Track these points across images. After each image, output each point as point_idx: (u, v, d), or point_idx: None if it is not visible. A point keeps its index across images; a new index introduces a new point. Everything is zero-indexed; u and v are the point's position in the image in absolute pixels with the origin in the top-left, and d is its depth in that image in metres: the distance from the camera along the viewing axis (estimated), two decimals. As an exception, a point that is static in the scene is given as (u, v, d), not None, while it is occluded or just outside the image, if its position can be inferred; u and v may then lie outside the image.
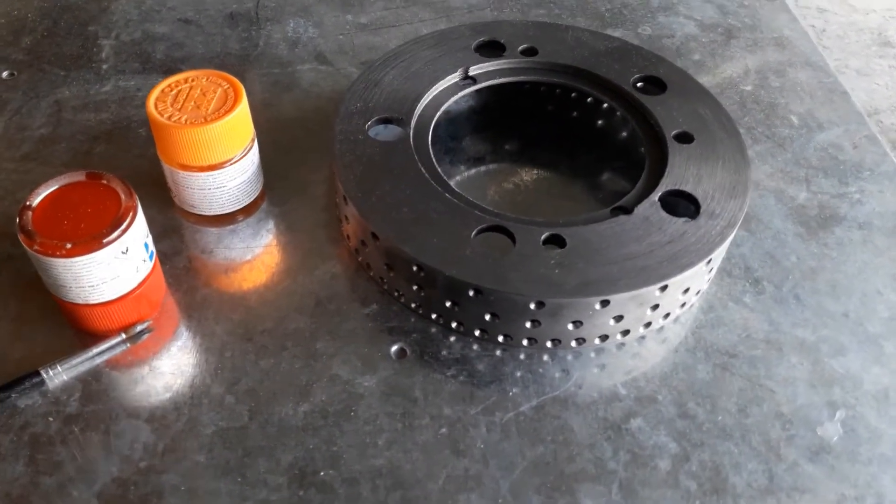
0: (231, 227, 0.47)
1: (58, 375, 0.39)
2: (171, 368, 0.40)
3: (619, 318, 0.41)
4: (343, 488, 0.36)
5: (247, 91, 0.53)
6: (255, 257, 0.46)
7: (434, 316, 0.43)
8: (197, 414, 0.39)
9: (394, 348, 0.42)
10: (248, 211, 0.48)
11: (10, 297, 0.43)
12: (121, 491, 0.36)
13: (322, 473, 0.37)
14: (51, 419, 0.38)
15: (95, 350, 0.40)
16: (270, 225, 0.48)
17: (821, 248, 0.48)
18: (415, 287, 0.42)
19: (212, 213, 0.47)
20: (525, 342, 0.42)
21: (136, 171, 0.50)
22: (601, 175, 0.54)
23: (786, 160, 0.54)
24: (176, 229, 0.47)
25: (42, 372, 0.39)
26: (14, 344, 0.41)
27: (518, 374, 0.41)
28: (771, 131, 0.56)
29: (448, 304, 0.41)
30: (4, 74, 0.56)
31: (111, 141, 0.52)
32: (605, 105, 0.52)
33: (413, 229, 0.41)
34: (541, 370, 0.42)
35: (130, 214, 0.38)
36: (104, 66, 0.57)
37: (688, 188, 0.45)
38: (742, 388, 0.41)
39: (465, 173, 0.53)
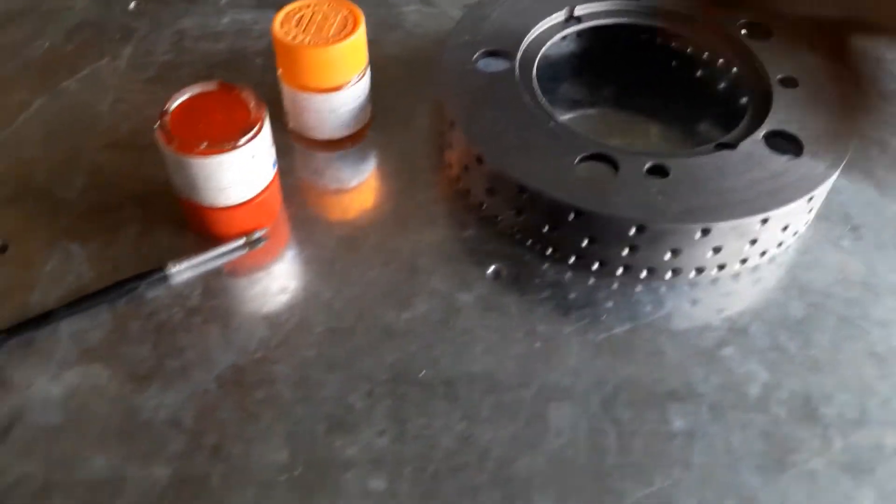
0: (339, 152, 0.50)
1: (181, 272, 0.43)
2: (284, 273, 0.43)
3: (717, 250, 0.42)
4: (441, 388, 0.38)
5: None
6: (360, 181, 0.48)
7: (530, 242, 0.44)
8: (308, 315, 0.41)
9: (490, 270, 0.44)
10: (355, 139, 0.50)
11: (140, 205, 0.46)
12: (237, 376, 0.39)
13: (422, 373, 0.39)
14: (175, 310, 0.41)
15: (217, 251, 0.43)
16: (375, 153, 0.50)
17: (926, 199, 0.48)
18: (515, 211, 0.43)
19: (323, 138, 0.49)
20: (620, 270, 0.43)
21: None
22: (698, 123, 0.54)
23: (891, 112, 0.53)
24: (289, 152, 0.50)
25: (167, 266, 0.42)
26: (142, 244, 0.44)
27: (610, 302, 0.42)
28: (877, 83, 0.55)
29: (546, 228, 0.43)
30: (132, 6, 0.60)
31: (229, 69, 0.55)
32: (708, 53, 0.52)
33: (517, 154, 0.43)
34: (633, 299, 0.42)
35: (259, 123, 0.40)
36: (222, 1, 0.60)
37: (791, 129, 0.45)
38: (836, 325, 0.41)
39: (563, 117, 0.54)
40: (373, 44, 0.57)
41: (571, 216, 0.41)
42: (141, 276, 0.42)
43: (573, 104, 0.55)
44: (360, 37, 0.45)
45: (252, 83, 0.53)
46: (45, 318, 0.40)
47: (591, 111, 0.55)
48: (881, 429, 0.37)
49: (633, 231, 0.40)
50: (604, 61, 0.56)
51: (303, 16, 0.46)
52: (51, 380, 0.39)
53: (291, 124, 0.50)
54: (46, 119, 0.51)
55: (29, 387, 0.38)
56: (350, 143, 0.50)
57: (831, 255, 0.45)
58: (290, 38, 0.44)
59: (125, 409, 0.38)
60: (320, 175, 0.48)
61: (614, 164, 0.42)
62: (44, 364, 0.39)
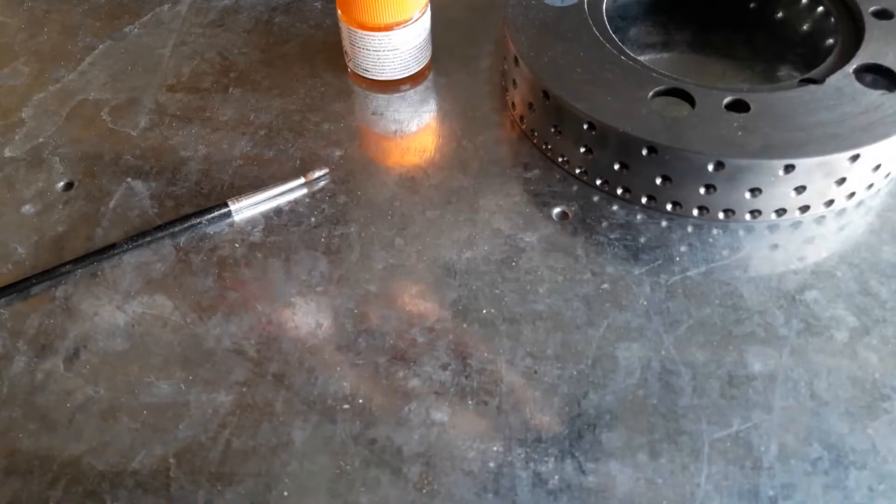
0: (400, 94, 0.49)
1: (243, 209, 0.42)
2: (345, 213, 0.42)
3: (800, 190, 0.39)
4: (504, 326, 0.37)
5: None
6: (422, 122, 0.47)
7: (599, 182, 0.43)
8: (369, 251, 0.40)
9: (556, 210, 0.42)
10: (415, 80, 0.49)
11: (202, 144, 0.46)
12: (300, 309, 0.38)
13: (484, 311, 0.38)
14: (236, 245, 0.41)
15: (278, 189, 0.43)
16: (437, 94, 0.49)
17: None
18: (583, 149, 0.42)
19: (383, 78, 0.48)
20: (695, 211, 0.41)
21: (311, 40, 0.52)
22: (779, 67, 0.51)
23: None
24: (349, 93, 0.49)
25: (229, 203, 0.42)
26: (203, 183, 0.44)
27: (685, 245, 0.40)
28: (979, 24, 0.51)
29: (617, 166, 0.41)
30: (194, -47, 0.59)
31: (289, 13, 0.54)
32: (791, -12, 0.49)
33: (586, 88, 0.41)
34: (709, 242, 0.40)
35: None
36: (283, -53, 0.59)
37: (886, 62, 0.41)
38: (934, 271, 0.38)
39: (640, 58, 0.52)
40: (434, -13, 0.56)
41: (644, 152, 0.39)
42: (202, 212, 0.42)
43: (645, 47, 0.52)
44: (423, -31, 0.44)
45: (311, 26, 0.53)
46: (109, 249, 0.40)
47: (664, 54, 0.52)
48: (983, 377, 0.34)
49: (710, 167, 0.38)
50: (677, 2, 0.53)
51: (364, -50, 0.44)
52: (116, 309, 0.39)
53: (351, 65, 0.49)
54: (110, 62, 0.51)
55: (95, 315, 0.38)
56: (410, 84, 0.49)
57: (926, 200, 0.42)
58: (351, -30, 0.43)
59: (189, 338, 0.37)
60: (380, 116, 0.47)
61: (690, 100, 0.40)
62: (109, 294, 0.39)
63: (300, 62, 0.51)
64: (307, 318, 0.38)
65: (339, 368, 0.36)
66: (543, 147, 0.45)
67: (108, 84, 0.50)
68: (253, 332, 0.37)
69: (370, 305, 0.38)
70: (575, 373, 0.35)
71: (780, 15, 0.52)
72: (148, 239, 0.41)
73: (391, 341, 0.37)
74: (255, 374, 0.36)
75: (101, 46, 0.53)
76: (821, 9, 0.48)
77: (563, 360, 0.36)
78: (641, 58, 0.51)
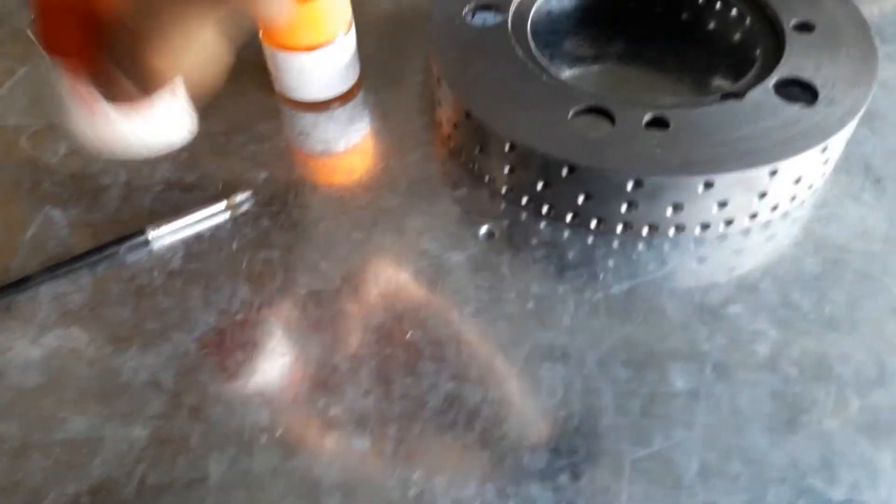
0: (328, 113, 0.48)
1: (163, 237, 0.41)
2: (269, 236, 0.42)
3: (723, 205, 0.39)
4: (428, 349, 0.36)
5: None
6: (350, 141, 0.47)
7: (525, 200, 0.42)
8: (293, 275, 0.40)
9: (482, 230, 0.42)
10: (344, 98, 0.48)
11: (122, 169, 0.45)
12: (218, 338, 0.37)
13: (409, 334, 0.37)
14: (155, 273, 0.40)
15: (198, 215, 0.42)
16: (366, 112, 0.48)
17: (953, 149, 0.44)
18: (506, 169, 0.41)
19: (309, 98, 0.47)
20: (619, 228, 0.41)
21: (238, 58, 0.51)
22: (711, 78, 0.51)
23: (918, 61, 0.50)
24: (276, 113, 0.48)
25: (147, 230, 0.41)
26: (123, 210, 0.43)
27: (610, 261, 0.40)
28: (901, 33, 0.52)
29: (540, 185, 0.41)
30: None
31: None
32: (718, 3, 0.50)
33: (507, 108, 0.41)
34: (634, 257, 0.40)
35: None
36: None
37: (805, 76, 0.42)
38: (854, 281, 0.39)
39: (566, 72, 0.52)
40: (365, 2, 0.55)
41: (565, 172, 0.39)
42: (121, 241, 0.41)
43: (576, 60, 0.52)
44: (343, -10, 0.43)
45: (240, 44, 0.52)
46: (24, 282, 0.39)
47: (596, 67, 0.52)
48: (900, 388, 0.35)
49: (630, 185, 0.38)
50: (609, 15, 0.53)
51: (286, -32, 0.44)
52: (31, 343, 0.37)
53: (276, 85, 0.48)
54: (30, 87, 0.50)
55: (9, 350, 0.37)
56: (339, 103, 0.48)
57: (851, 209, 0.42)
58: (271, -9, 0.42)
59: (104, 371, 0.36)
60: (307, 136, 0.47)
61: (611, 118, 0.40)
62: (24, 327, 0.38)
63: (226, 81, 0.50)
64: (226, 347, 0.37)
65: (257, 399, 0.35)
66: (471, 166, 0.44)
67: (28, 109, 0.49)
68: (170, 363, 0.36)
69: (292, 332, 0.37)
70: (498, 395, 0.35)
71: (711, 26, 0.52)
72: (65, 269, 0.40)
73: (313, 369, 0.36)
74: (172, 407, 0.35)
75: (21, 70, 0.51)
76: (748, 20, 0.48)
77: (486, 383, 0.35)
78: (572, 71, 0.52)
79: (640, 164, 0.38)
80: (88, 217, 0.42)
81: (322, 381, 0.35)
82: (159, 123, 0.31)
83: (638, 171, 0.38)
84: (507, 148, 0.40)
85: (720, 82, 0.50)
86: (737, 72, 0.49)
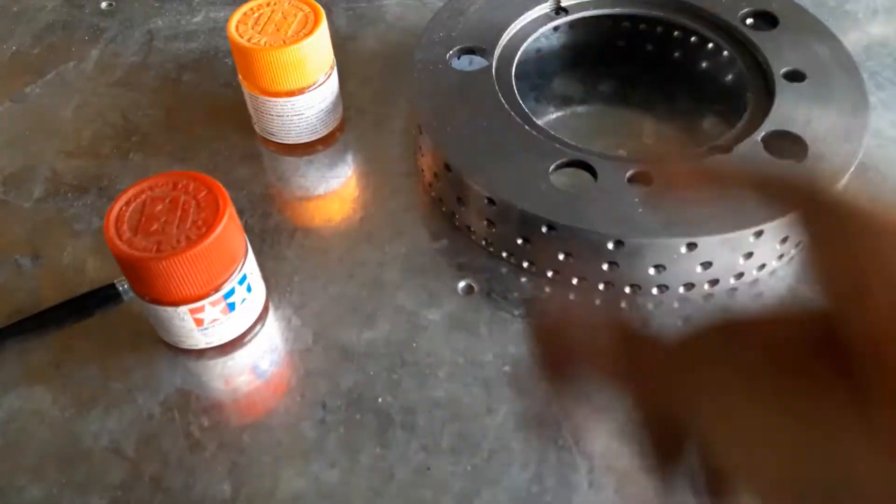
0: (308, 157, 0.47)
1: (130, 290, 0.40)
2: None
3: (707, 265, 0.38)
4: (400, 415, 0.35)
5: (331, 25, 0.52)
6: (329, 187, 0.46)
7: (505, 254, 0.41)
8: (262, 333, 0.39)
9: (461, 284, 0.41)
10: (326, 142, 0.47)
11: (97, 215, 0.44)
12: (183, 401, 0.36)
13: (380, 400, 0.36)
14: (123, 329, 0.39)
15: (169, 266, 0.41)
16: (347, 157, 0.47)
17: (948, 204, 0.43)
18: (486, 222, 0.40)
19: (290, 142, 0.46)
20: (601, 286, 0.40)
21: (220, 99, 0.50)
22: (702, 120, 0.50)
23: (915, 108, 0.48)
24: (255, 157, 0.47)
25: (117, 284, 0.40)
26: (96, 258, 0.42)
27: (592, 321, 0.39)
28: (898, 76, 0.50)
29: (520, 241, 0.39)
30: (103, 5, 0.57)
31: (198, 70, 0.52)
32: (710, 43, 0.48)
33: (487, 161, 0.40)
34: (617, 317, 0.39)
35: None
36: (197, -2, 0.58)
37: (795, 129, 0.41)
38: (841, 348, 0.37)
39: (553, 114, 0.51)
40: (350, 40, 0.54)
41: (544, 229, 0.38)
42: (91, 294, 0.40)
43: (564, 101, 0.51)
44: (320, 36, 0.42)
45: (221, 84, 0.51)
46: (-12, 337, 0.38)
47: (585, 108, 0.51)
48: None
49: (610, 245, 0.37)
50: (596, 53, 0.52)
51: (261, 15, 0.43)
52: (-10, 404, 0.37)
53: (257, 128, 0.47)
54: (8, 125, 0.49)
55: (-33, 412, 0.36)
56: (321, 146, 0.47)
57: (838, 268, 0.41)
58: (245, 39, 0.42)
59: (66, 435, 0.35)
60: (286, 182, 0.46)
61: (593, 172, 0.39)
62: (-15, 387, 0.37)
63: (206, 124, 0.49)
64: (191, 410, 0.36)
65: (219, 468, 0.34)
66: (451, 216, 0.43)
67: (4, 150, 0.48)
68: (133, 427, 0.35)
69: (259, 396, 0.36)
70: (469, 467, 0.34)
71: (703, 66, 0.51)
72: (31, 324, 0.39)
73: (278, 437, 0.35)
74: (132, 476, 0.34)
75: (-2, 109, 0.50)
76: (739, 63, 0.47)
77: (457, 454, 0.34)
78: (559, 113, 0.51)
79: (620, 225, 0.37)
80: (59, 268, 0.42)
81: (287, 451, 0.34)
82: None
83: (618, 232, 0.36)
84: (485, 202, 0.39)
85: (711, 125, 0.49)
86: (728, 115, 0.48)
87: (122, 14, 0.57)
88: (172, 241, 0.33)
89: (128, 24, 0.56)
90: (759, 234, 0.37)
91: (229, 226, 0.34)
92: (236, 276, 0.35)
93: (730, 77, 0.49)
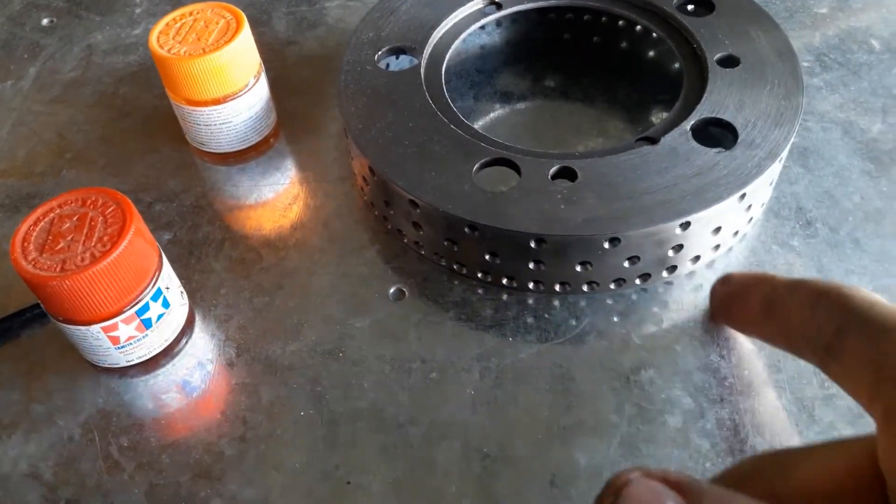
0: (241, 165, 0.46)
1: (59, 308, 0.40)
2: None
3: (634, 260, 0.37)
4: (322, 429, 0.35)
5: (270, 30, 0.51)
6: (261, 196, 0.45)
7: (435, 257, 0.40)
8: (183, 348, 0.38)
9: (392, 289, 0.40)
10: (259, 149, 0.47)
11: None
12: (104, 422, 0.36)
13: (302, 413, 0.35)
14: (49, 350, 0.38)
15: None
16: (281, 163, 0.47)
17: (892, 186, 0.42)
18: (413, 225, 0.39)
19: (221, 151, 0.46)
20: (531, 285, 0.39)
21: (155, 112, 0.50)
22: (648, 112, 0.49)
23: (860, 89, 0.47)
24: (188, 168, 0.46)
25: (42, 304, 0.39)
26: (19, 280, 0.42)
27: (523, 319, 0.38)
28: (845, 57, 0.49)
29: (447, 243, 0.39)
30: (45, 21, 0.57)
31: (135, 83, 0.52)
32: (653, 33, 0.47)
33: (411, 163, 0.39)
34: (548, 315, 0.38)
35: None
36: (137, 10, 0.57)
37: (725, 116, 0.39)
38: (776, 340, 0.36)
39: (494, 112, 0.50)
40: (289, 44, 0.54)
41: (467, 230, 0.37)
42: (16, 315, 0.39)
43: (507, 98, 0.50)
44: (241, 42, 0.42)
45: (156, 96, 0.51)
46: (-90, 364, 0.38)
47: (527, 104, 0.50)
48: (816, 463, 0.32)
49: (533, 244, 0.36)
50: (543, 48, 0.51)
51: (182, 25, 0.42)
52: (-88, 432, 0.36)
53: (188, 139, 0.46)
54: (-59, 147, 0.49)
55: None
56: (254, 154, 0.47)
57: (778, 257, 0.40)
58: (165, 50, 0.41)
59: (-15, 462, 0.35)
60: (217, 192, 0.45)
61: (517, 170, 0.38)
62: None
63: (140, 137, 0.48)
64: (110, 431, 0.35)
65: (136, 491, 0.33)
66: (383, 220, 0.42)
67: (-64, 171, 0.47)
68: (52, 451, 0.35)
69: (180, 414, 0.36)
70: (390, 481, 0.33)
71: (650, 55, 0.50)
72: (-47, 349, 0.38)
73: (196, 455, 0.34)
74: (48, 501, 0.33)
75: (-66, 131, 0.50)
76: (677, 54, 0.46)
77: (378, 467, 0.33)
78: (502, 111, 0.50)
79: (540, 222, 0.36)
80: (-15, 289, 0.41)
81: (206, 470, 0.34)
82: None
83: (538, 230, 0.35)
84: (410, 205, 0.38)
85: (657, 118, 0.48)
86: (672, 105, 0.47)
87: (62, 30, 0.56)
88: (77, 258, 0.32)
89: (67, 40, 0.55)
90: (685, 225, 0.36)
91: (135, 241, 0.33)
92: (149, 292, 0.35)
93: (675, 66, 0.48)
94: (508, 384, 0.36)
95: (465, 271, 0.40)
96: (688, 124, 0.39)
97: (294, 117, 0.48)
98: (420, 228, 0.39)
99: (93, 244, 0.33)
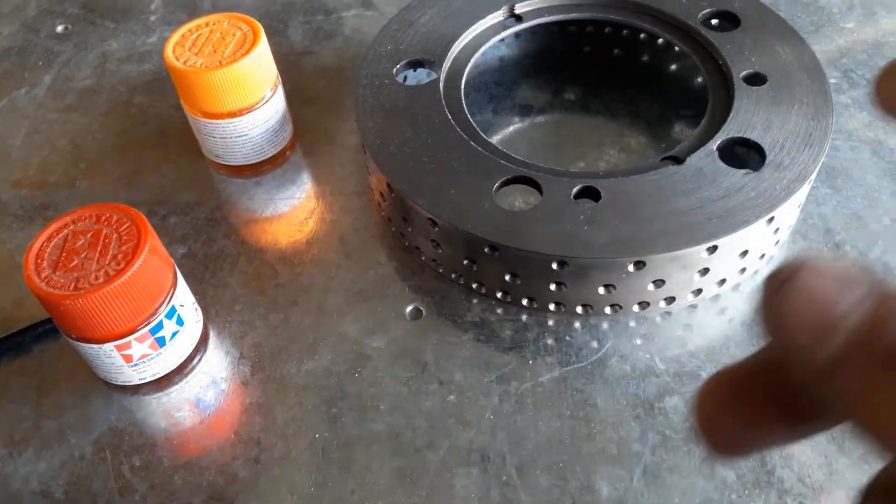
0: (257, 178, 0.46)
1: (72, 322, 0.39)
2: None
3: (659, 283, 0.36)
4: (337, 452, 0.34)
5: (286, 40, 0.50)
6: (277, 209, 0.44)
7: (454, 275, 0.40)
8: (198, 367, 0.37)
9: (409, 308, 0.39)
10: (275, 162, 0.46)
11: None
12: (116, 441, 0.35)
13: (317, 435, 0.35)
14: (60, 365, 0.38)
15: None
16: (297, 177, 0.46)
17: (922, 208, 0.41)
18: (432, 243, 0.39)
19: (237, 163, 0.45)
20: (552, 306, 0.38)
21: (170, 122, 0.49)
22: (670, 127, 0.48)
23: (889, 107, 0.46)
24: (203, 180, 0.46)
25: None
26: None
27: (543, 341, 0.37)
28: (874, 74, 0.48)
29: (466, 262, 0.38)
30: (59, 28, 0.57)
31: (150, 91, 0.51)
32: (675, 47, 0.46)
33: (430, 180, 0.38)
34: (569, 338, 0.37)
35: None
36: (152, 18, 0.57)
37: (753, 136, 0.38)
38: (804, 368, 0.35)
39: (513, 126, 0.49)
40: (305, 55, 0.53)
41: (487, 250, 0.36)
42: (28, 329, 0.39)
43: (526, 111, 0.50)
44: (258, 55, 0.41)
45: (171, 106, 0.50)
46: (-79, 378, 0.37)
47: (547, 118, 0.49)
48: (848, 497, 0.31)
49: (555, 266, 0.35)
50: (563, 60, 0.50)
51: (199, 36, 0.42)
52: (-78, 447, 0.36)
53: (204, 151, 0.46)
54: (-41, 154, 0.48)
55: None
56: (269, 166, 0.46)
57: (805, 280, 0.38)
58: (181, 61, 0.40)
59: (-5, 480, 0.34)
60: (232, 205, 0.44)
61: (538, 189, 0.37)
62: (-83, 429, 0.36)
63: (154, 147, 0.48)
64: (123, 450, 0.35)
65: (148, 513, 0.33)
66: (400, 236, 0.42)
67: (-48, 179, 0.47)
68: (63, 469, 0.34)
69: (193, 434, 0.35)
70: (406, 506, 0.32)
71: (672, 69, 0.49)
72: (-35, 363, 0.38)
73: (210, 477, 0.34)
74: (58, 522, 0.33)
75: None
76: (702, 69, 0.45)
77: (395, 493, 0.33)
78: (521, 124, 0.49)
79: (563, 244, 0.35)
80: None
81: (219, 492, 0.33)
82: None
83: (561, 252, 0.35)
84: (429, 223, 0.37)
85: (680, 132, 0.47)
86: (697, 121, 0.46)
87: (77, 37, 0.56)
88: (91, 277, 0.32)
89: (82, 48, 0.55)
90: (712, 249, 0.35)
91: (150, 259, 0.33)
92: (163, 310, 0.34)
93: (698, 81, 0.47)
94: (528, 409, 0.35)
95: (483, 290, 0.39)
96: (714, 144, 0.38)
97: (310, 129, 0.48)
98: (439, 247, 0.38)
99: (107, 262, 0.32)
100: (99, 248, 0.33)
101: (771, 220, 0.36)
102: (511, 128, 0.49)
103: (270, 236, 0.43)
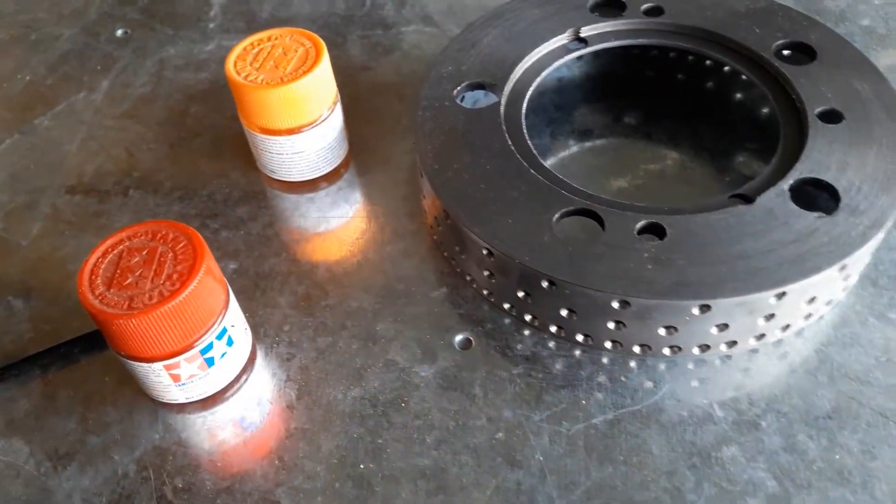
0: (310, 194, 0.45)
1: (121, 334, 0.39)
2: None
3: (723, 327, 0.35)
4: (381, 485, 0.33)
5: (344, 54, 0.50)
6: (329, 228, 0.44)
7: (507, 306, 0.39)
8: (244, 390, 0.37)
9: (458, 337, 0.38)
10: (330, 178, 0.46)
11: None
12: (159, 459, 0.35)
13: (362, 466, 0.34)
14: (107, 378, 0.38)
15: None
16: (351, 195, 0.45)
17: None
18: (486, 273, 0.38)
19: (291, 180, 0.45)
20: (608, 344, 0.37)
21: (225, 133, 0.49)
22: (733, 158, 0.46)
23: (969, 149, 0.44)
24: (256, 194, 0.46)
25: (105, 329, 0.39)
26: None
27: (597, 380, 0.36)
28: (953, 113, 0.46)
29: (521, 294, 0.37)
30: (119, 33, 0.57)
31: (206, 101, 0.51)
32: (742, 76, 0.45)
33: (488, 209, 0.37)
34: (624, 378, 0.36)
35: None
36: (210, 25, 0.57)
37: (827, 177, 0.37)
38: (872, 423, 0.33)
39: (570, 149, 0.48)
40: (363, 70, 0.53)
41: (545, 284, 0.35)
42: (77, 340, 0.39)
43: (584, 135, 0.48)
44: (320, 73, 0.40)
45: (227, 117, 0.50)
46: (-28, 383, 0.38)
47: (606, 142, 0.48)
48: (919, 571, 0.30)
49: (616, 305, 0.34)
50: (624, 84, 0.49)
51: (260, 50, 0.41)
52: (-30, 454, 0.36)
53: (259, 165, 0.45)
54: (14, 159, 0.49)
55: (-54, 461, 0.36)
56: (324, 183, 0.45)
57: (875, 331, 0.37)
58: (242, 76, 0.40)
59: (39, 492, 0.34)
60: (285, 222, 0.44)
61: (600, 223, 0.36)
62: (-34, 435, 0.36)
63: (209, 159, 0.48)
64: (166, 470, 0.34)
65: (190, 537, 0.32)
66: (453, 263, 0.41)
67: (8, 184, 0.47)
68: (106, 486, 0.34)
69: (237, 456, 0.35)
70: (451, 547, 0.31)
71: (737, 98, 0.47)
72: (15, 372, 0.38)
73: (252, 501, 0.33)
74: (100, 541, 0.33)
75: (7, 141, 0.50)
76: (772, 102, 0.43)
77: (440, 531, 0.32)
78: (578, 148, 0.48)
79: (626, 284, 0.34)
80: (49, 311, 0.41)
81: (262, 519, 0.33)
82: None
83: (624, 292, 0.33)
84: (484, 252, 0.37)
85: (743, 163, 0.46)
86: (762, 153, 0.44)
87: (136, 42, 0.56)
88: (145, 296, 0.32)
89: (140, 53, 0.55)
90: (780, 295, 0.33)
91: (205, 280, 0.32)
92: (215, 331, 0.34)
93: (765, 111, 0.46)
94: (580, 452, 0.34)
95: (536, 323, 0.38)
96: (786, 184, 0.37)
97: (365, 147, 0.47)
98: (493, 277, 0.38)
99: (161, 282, 0.32)
100: (154, 267, 0.33)
101: (843, 267, 0.34)
102: (568, 152, 0.48)
103: (321, 256, 0.42)
